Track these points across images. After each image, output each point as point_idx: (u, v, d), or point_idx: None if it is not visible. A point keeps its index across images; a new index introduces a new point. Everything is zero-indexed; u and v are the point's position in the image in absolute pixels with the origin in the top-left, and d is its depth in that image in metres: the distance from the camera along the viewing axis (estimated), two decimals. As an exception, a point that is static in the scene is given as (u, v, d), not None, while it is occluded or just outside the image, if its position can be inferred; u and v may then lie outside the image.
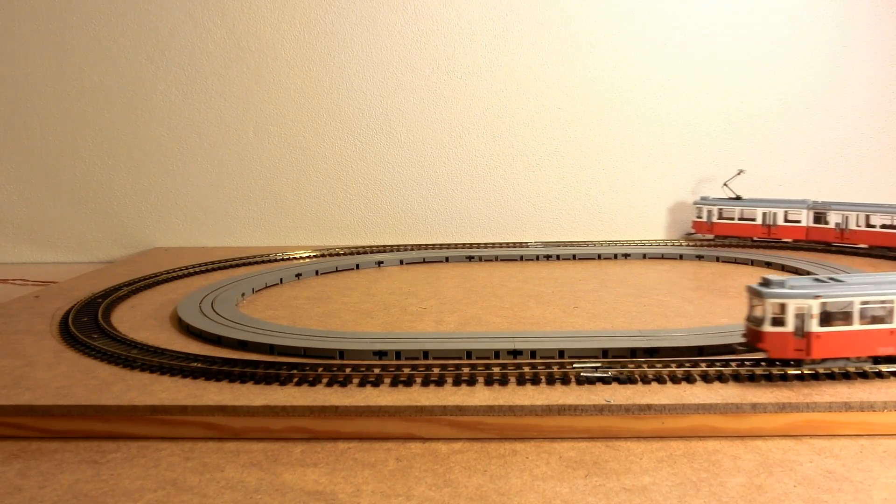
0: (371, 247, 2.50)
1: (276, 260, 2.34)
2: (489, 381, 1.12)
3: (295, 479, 0.93)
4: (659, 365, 1.15)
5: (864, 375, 1.10)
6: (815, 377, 1.10)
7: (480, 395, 1.07)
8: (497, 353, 1.26)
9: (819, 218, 2.29)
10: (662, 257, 2.29)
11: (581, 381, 1.11)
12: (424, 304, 1.71)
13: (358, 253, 2.42)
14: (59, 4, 2.63)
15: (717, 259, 2.21)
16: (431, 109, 2.67)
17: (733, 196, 2.45)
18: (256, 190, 2.71)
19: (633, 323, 1.51)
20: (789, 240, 2.35)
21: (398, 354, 1.27)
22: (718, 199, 2.46)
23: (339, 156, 2.70)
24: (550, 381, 1.11)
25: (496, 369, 1.15)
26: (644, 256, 2.30)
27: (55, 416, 1.08)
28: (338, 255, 2.40)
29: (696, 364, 1.16)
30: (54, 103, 2.69)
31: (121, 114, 2.69)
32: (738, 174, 2.46)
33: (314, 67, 2.66)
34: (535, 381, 1.12)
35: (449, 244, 2.50)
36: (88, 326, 1.52)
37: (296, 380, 1.14)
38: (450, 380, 1.13)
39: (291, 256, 2.37)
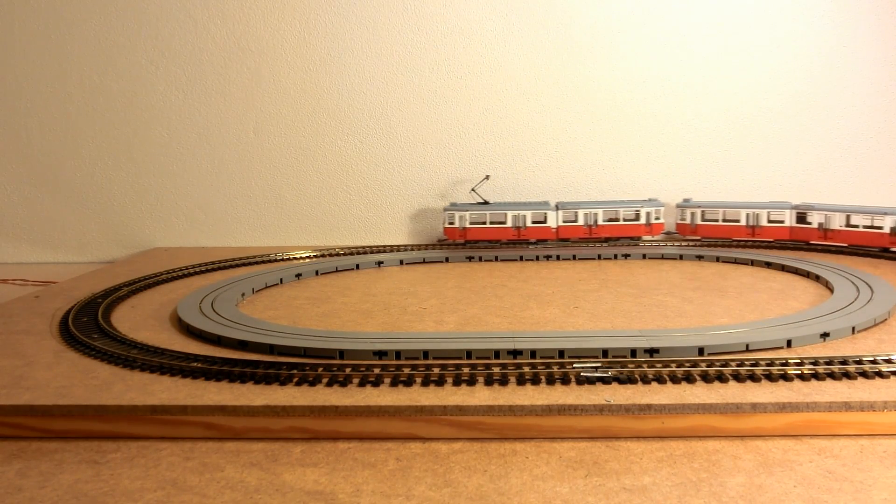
0: (371, 247, 2.50)
1: (276, 260, 2.34)
2: (489, 381, 1.12)
3: (295, 479, 0.93)
4: (659, 365, 1.15)
5: (864, 375, 1.10)
6: (816, 377, 1.10)
7: (480, 395, 1.07)
8: (497, 353, 1.26)
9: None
10: (662, 257, 2.29)
11: (581, 381, 1.11)
12: (424, 304, 1.71)
13: (358, 253, 2.42)
14: (59, 4, 2.63)
15: (717, 259, 2.21)
16: (431, 109, 2.67)
17: (482, 201, 2.49)
18: (256, 190, 2.72)
19: (633, 323, 1.51)
20: (535, 238, 2.46)
21: (398, 354, 1.27)
22: (469, 203, 2.50)
23: (339, 156, 2.70)
24: (550, 381, 1.11)
25: (496, 369, 1.15)
26: (644, 256, 2.30)
27: (55, 416, 1.08)
28: (338, 255, 2.40)
29: (696, 364, 1.16)
30: (54, 103, 2.69)
31: (121, 114, 2.69)
32: (485, 179, 2.54)
33: (314, 67, 2.66)
34: (535, 381, 1.12)
35: (449, 244, 2.50)
36: (88, 326, 1.52)
37: (296, 380, 1.14)
38: (450, 380, 1.13)
39: (291, 256, 2.37)
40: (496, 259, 2.32)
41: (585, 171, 2.68)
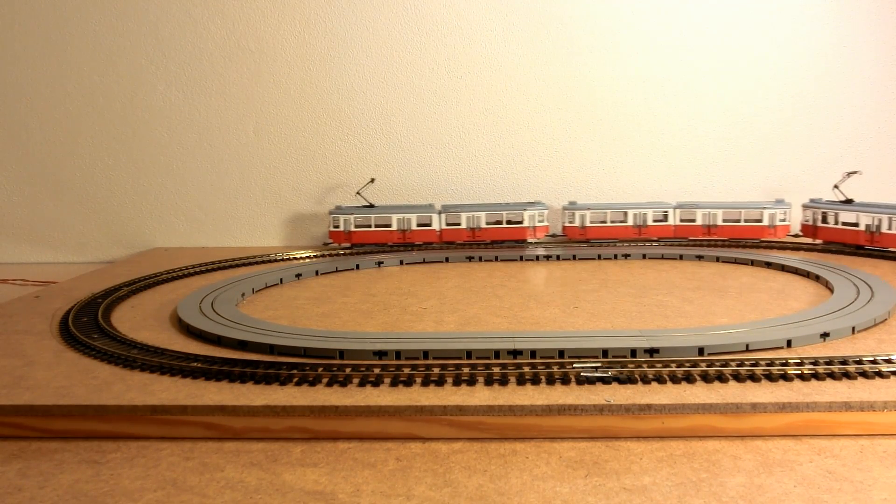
0: (371, 247, 2.50)
1: (276, 260, 2.34)
2: (489, 381, 1.12)
3: (295, 479, 0.93)
4: (659, 365, 1.15)
5: (864, 375, 1.10)
6: (816, 377, 1.10)
7: (480, 395, 1.07)
8: (497, 353, 1.26)
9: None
10: (662, 257, 2.29)
11: (581, 381, 1.11)
12: (424, 304, 1.71)
13: (358, 253, 2.42)
14: (59, 4, 2.63)
15: (717, 259, 2.21)
16: (431, 109, 2.67)
17: (367, 204, 2.53)
18: (256, 190, 2.72)
19: (633, 323, 1.51)
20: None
21: (398, 354, 1.27)
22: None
23: (339, 156, 2.70)
24: (550, 381, 1.11)
25: (496, 369, 1.15)
26: (644, 256, 2.30)
27: (55, 416, 1.08)
28: (338, 255, 2.40)
29: (696, 364, 1.16)
30: (54, 103, 2.69)
31: (121, 114, 2.69)
32: (370, 182, 2.56)
33: (314, 67, 2.66)
34: (535, 381, 1.12)
35: (449, 244, 2.50)
36: (88, 326, 1.52)
37: (296, 380, 1.14)
38: (450, 380, 1.13)
39: (291, 256, 2.37)
40: (496, 259, 2.32)
41: (585, 171, 2.68)
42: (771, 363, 1.14)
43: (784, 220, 2.41)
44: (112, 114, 2.69)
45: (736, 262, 2.16)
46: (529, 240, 2.47)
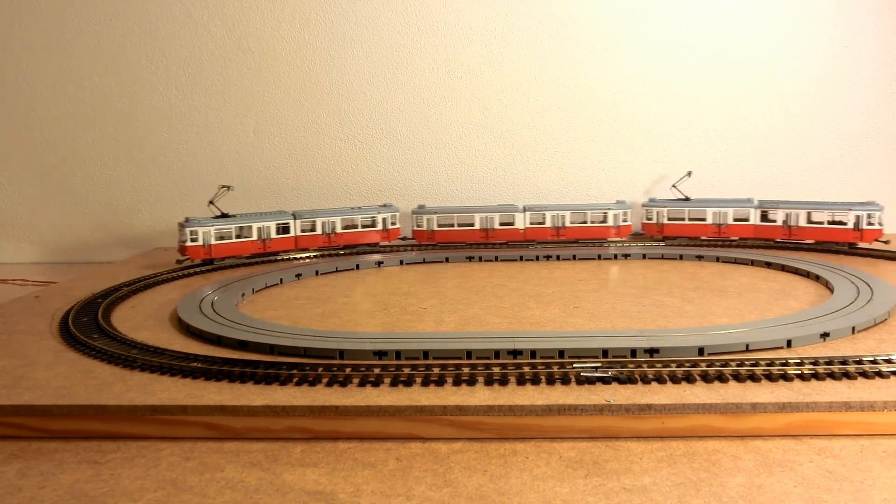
0: (371, 247, 2.50)
1: (276, 260, 2.34)
2: (489, 381, 1.12)
3: (295, 479, 0.93)
4: (659, 365, 1.15)
5: (864, 375, 1.10)
6: (816, 377, 1.10)
7: (480, 395, 1.07)
8: (497, 353, 1.26)
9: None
10: (662, 257, 2.29)
11: (581, 381, 1.11)
12: (424, 304, 1.71)
13: (358, 253, 2.42)
14: (60, 4, 2.63)
15: (717, 259, 2.21)
16: (431, 109, 2.67)
17: (219, 214, 2.35)
18: (256, 190, 2.71)
19: (633, 323, 1.51)
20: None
21: (398, 354, 1.27)
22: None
23: (338, 156, 2.70)
24: (550, 381, 1.11)
25: (496, 369, 1.15)
26: (644, 256, 2.30)
27: (55, 416, 1.08)
28: (338, 255, 2.40)
29: (696, 364, 1.16)
30: (54, 103, 2.69)
31: (121, 114, 2.69)
32: (226, 189, 2.39)
33: (314, 67, 2.66)
34: (535, 381, 1.12)
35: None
36: (88, 326, 1.52)
37: (296, 380, 1.14)
38: (450, 380, 1.13)
39: (291, 256, 2.37)
40: (496, 259, 2.32)
41: (585, 171, 2.68)
42: (771, 363, 1.14)
43: (626, 221, 2.46)
44: (112, 114, 2.69)
45: (736, 262, 2.16)
46: (382, 243, 2.49)
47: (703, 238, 2.43)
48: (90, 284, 1.99)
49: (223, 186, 2.39)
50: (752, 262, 2.13)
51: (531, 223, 2.47)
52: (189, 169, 2.71)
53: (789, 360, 1.15)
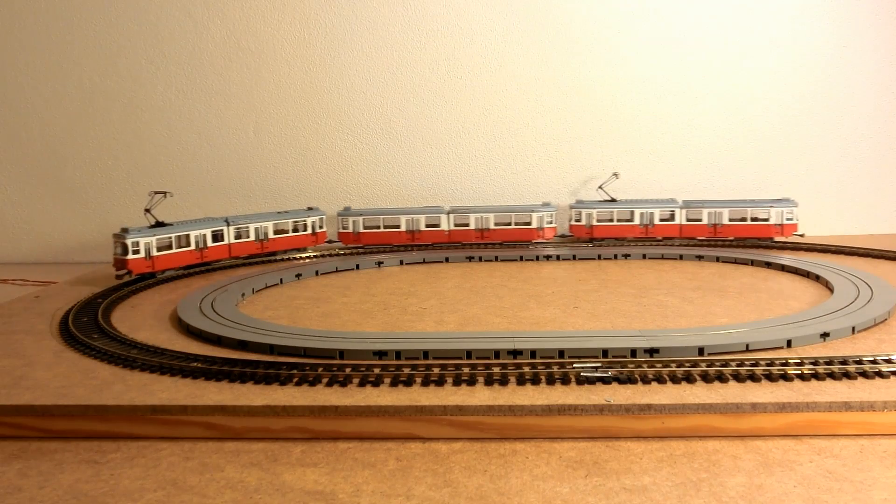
0: (371, 247, 2.50)
1: (276, 260, 2.34)
2: (489, 381, 1.12)
3: (295, 479, 0.93)
4: (659, 365, 1.15)
5: (864, 375, 1.10)
6: (816, 377, 1.10)
7: (480, 395, 1.07)
8: (497, 353, 1.26)
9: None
10: (662, 257, 2.29)
11: (581, 381, 1.11)
12: (424, 304, 1.71)
13: (358, 253, 2.42)
14: (60, 4, 2.63)
15: (717, 259, 2.21)
16: (431, 109, 2.67)
17: (155, 223, 2.25)
18: (256, 190, 2.71)
19: (633, 323, 1.51)
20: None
21: (398, 354, 1.27)
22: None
23: (338, 156, 2.70)
24: (550, 381, 1.11)
25: (496, 369, 1.15)
26: (644, 256, 2.30)
27: (55, 416, 1.08)
28: (338, 255, 2.40)
29: (696, 364, 1.16)
30: (54, 103, 2.69)
31: (121, 114, 2.69)
32: (163, 195, 2.30)
33: (314, 67, 2.66)
34: (535, 381, 1.12)
35: (449, 244, 2.49)
36: (88, 326, 1.52)
37: (296, 380, 1.14)
38: (450, 380, 1.13)
39: (291, 256, 2.37)
40: (496, 259, 2.32)
41: (585, 171, 2.68)
42: (771, 363, 1.14)
43: (551, 223, 2.46)
44: (112, 114, 2.69)
45: (736, 262, 2.16)
46: (310, 247, 2.47)
47: (628, 239, 2.45)
48: (90, 284, 1.99)
49: (158, 192, 2.26)
50: (752, 262, 2.13)
51: (455, 225, 2.47)
52: (189, 169, 2.71)
53: (789, 360, 1.15)
